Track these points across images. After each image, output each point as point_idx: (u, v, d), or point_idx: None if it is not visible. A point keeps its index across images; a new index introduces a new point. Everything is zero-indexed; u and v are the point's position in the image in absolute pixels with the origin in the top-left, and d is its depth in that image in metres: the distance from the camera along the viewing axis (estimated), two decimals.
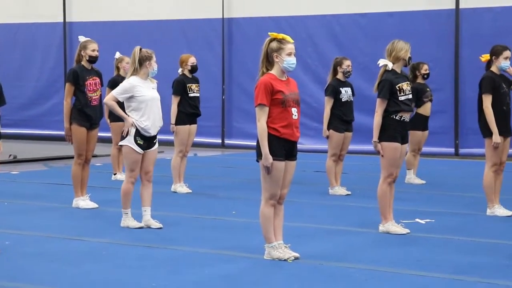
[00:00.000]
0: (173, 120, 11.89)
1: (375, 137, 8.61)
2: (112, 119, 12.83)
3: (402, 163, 8.88)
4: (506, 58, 9.76)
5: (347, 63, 11.82)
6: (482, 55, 10.07)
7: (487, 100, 9.67)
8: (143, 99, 8.88)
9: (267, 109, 7.19)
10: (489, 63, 9.88)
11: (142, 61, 8.92)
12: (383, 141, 8.60)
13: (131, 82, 8.91)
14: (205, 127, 19.17)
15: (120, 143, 9.06)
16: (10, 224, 9.18)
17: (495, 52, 9.82)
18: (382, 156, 8.64)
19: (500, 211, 9.91)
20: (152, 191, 9.15)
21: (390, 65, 8.65)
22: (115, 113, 9.16)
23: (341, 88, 11.69)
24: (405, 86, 8.65)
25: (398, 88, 8.58)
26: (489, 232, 8.90)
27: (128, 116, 8.93)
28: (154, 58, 8.98)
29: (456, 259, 7.51)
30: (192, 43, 20.02)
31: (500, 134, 9.64)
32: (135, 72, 8.94)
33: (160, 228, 8.98)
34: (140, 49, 8.95)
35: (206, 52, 19.94)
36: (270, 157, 7.17)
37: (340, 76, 11.78)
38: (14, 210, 10.30)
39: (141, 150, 8.93)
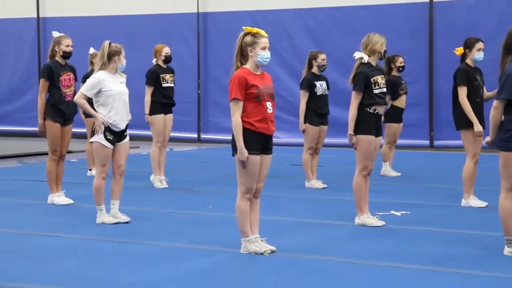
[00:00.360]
0: (147, 111, 11.87)
1: (351, 130, 8.63)
2: (87, 115, 12.75)
3: (377, 155, 8.90)
4: (479, 49, 9.83)
5: (322, 56, 11.84)
6: (456, 49, 10.12)
7: (462, 92, 9.72)
8: (110, 94, 8.86)
9: (241, 103, 7.20)
10: (463, 56, 9.94)
11: (111, 55, 8.91)
12: (357, 134, 8.61)
13: (98, 77, 8.89)
14: (181, 122, 19.16)
15: (90, 140, 9.06)
16: None
17: (468, 45, 9.88)
18: (356, 148, 8.67)
19: (474, 202, 9.98)
20: (124, 185, 9.16)
21: (366, 58, 8.67)
22: (85, 111, 9.12)
23: (316, 82, 11.71)
24: (380, 79, 8.68)
25: (373, 81, 8.60)
26: (465, 223, 8.95)
27: (97, 112, 8.90)
28: (123, 53, 8.97)
29: (433, 250, 7.55)
30: (167, 37, 19.89)
31: (472, 127, 9.69)
32: (103, 66, 8.93)
33: (128, 222, 8.98)
34: (110, 44, 8.94)
35: (181, 46, 19.89)
36: (245, 151, 7.17)
37: (315, 70, 11.80)
38: None
39: (111, 145, 8.92)
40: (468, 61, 9.86)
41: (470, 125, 9.69)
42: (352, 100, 8.63)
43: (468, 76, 9.74)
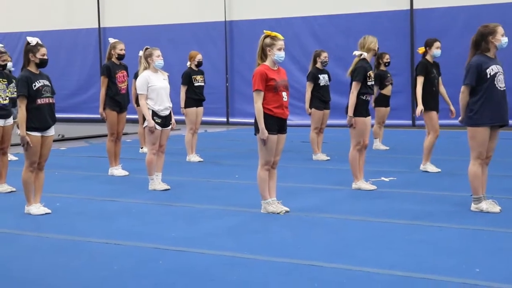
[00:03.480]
0: (182, 105, 11.88)
1: (351, 113, 8.53)
2: (138, 104, 12.74)
3: (369, 133, 8.84)
4: (437, 47, 9.78)
5: (324, 54, 11.76)
6: (418, 48, 10.14)
7: (419, 80, 9.70)
8: (153, 88, 8.89)
9: (262, 93, 7.16)
10: (424, 53, 9.87)
11: (147, 58, 8.96)
12: (353, 117, 8.55)
13: (143, 75, 8.97)
14: (213, 109, 19.19)
15: (144, 125, 9.07)
16: (60, 190, 9.18)
17: (429, 44, 9.85)
18: (353, 128, 8.60)
19: (430, 167, 9.95)
20: (168, 160, 9.18)
21: (365, 55, 8.62)
22: (144, 112, 8.97)
23: (319, 75, 11.64)
24: (372, 73, 8.65)
25: (368, 75, 8.55)
26: (439, 186, 8.90)
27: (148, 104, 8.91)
28: (155, 54, 8.98)
29: (413, 208, 7.52)
30: (201, 41, 19.93)
31: (432, 109, 9.68)
32: (145, 68, 8.98)
33: (168, 189, 8.99)
34: (145, 49, 9.01)
35: (212, 48, 19.89)
36: (266, 132, 7.15)
37: (318, 65, 11.72)
38: (62, 178, 10.29)
39: (160, 127, 8.93)
40: (428, 57, 9.81)
41: (428, 108, 9.65)
42: (352, 89, 8.54)
43: (426, 69, 9.69)
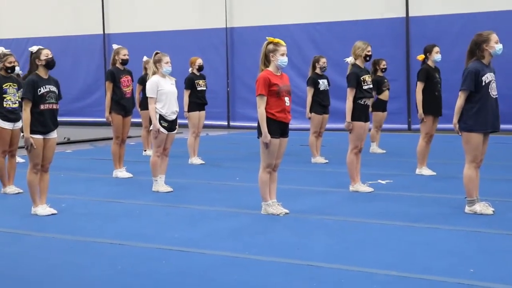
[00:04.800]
0: (185, 109, 11.86)
1: (348, 118, 8.50)
2: (142, 108, 12.77)
3: (366, 137, 8.82)
4: (437, 52, 9.77)
5: (323, 60, 11.76)
6: (417, 56, 10.13)
7: (419, 86, 9.72)
8: (162, 92, 8.85)
9: (265, 98, 7.14)
10: (424, 59, 9.86)
11: (155, 63, 8.91)
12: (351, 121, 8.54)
13: (153, 80, 8.90)
14: (215, 113, 19.19)
15: (151, 128, 9.06)
16: (65, 191, 9.17)
17: (428, 50, 9.85)
18: (350, 132, 8.59)
19: (426, 171, 9.93)
20: (171, 162, 9.15)
21: (351, 60, 8.63)
22: (151, 116, 8.95)
23: (319, 80, 11.64)
24: (367, 78, 8.59)
25: (362, 79, 8.52)
26: (434, 189, 8.88)
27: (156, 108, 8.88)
28: (164, 60, 8.89)
29: (410, 210, 7.51)
30: (203, 47, 19.92)
31: (431, 113, 9.71)
32: (154, 73, 8.93)
33: (171, 191, 8.96)
34: (155, 54, 8.94)
35: (213, 54, 19.88)
36: (269, 136, 7.13)
37: (318, 70, 11.72)
38: (68, 180, 10.27)
39: (166, 131, 8.91)
40: (429, 62, 9.79)
41: (424, 112, 9.66)
42: (347, 95, 8.52)
43: (428, 74, 9.69)
